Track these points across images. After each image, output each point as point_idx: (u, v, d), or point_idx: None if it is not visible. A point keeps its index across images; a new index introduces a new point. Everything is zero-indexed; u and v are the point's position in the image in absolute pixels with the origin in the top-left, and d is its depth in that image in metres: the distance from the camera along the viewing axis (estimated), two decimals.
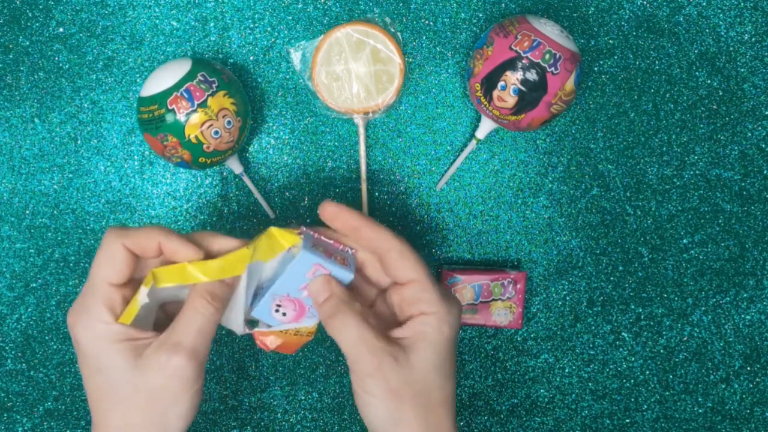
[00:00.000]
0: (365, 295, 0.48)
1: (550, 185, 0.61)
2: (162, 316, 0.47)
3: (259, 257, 0.44)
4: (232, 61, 0.60)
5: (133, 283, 0.44)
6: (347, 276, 0.45)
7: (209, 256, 0.44)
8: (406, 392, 0.42)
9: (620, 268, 0.62)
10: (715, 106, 0.61)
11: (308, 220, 0.61)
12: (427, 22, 0.60)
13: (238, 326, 0.46)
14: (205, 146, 0.53)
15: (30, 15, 0.59)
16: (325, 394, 0.62)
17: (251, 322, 0.47)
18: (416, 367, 0.42)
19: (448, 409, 0.44)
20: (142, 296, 0.41)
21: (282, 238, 0.44)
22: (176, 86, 0.52)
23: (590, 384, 0.63)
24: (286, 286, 0.44)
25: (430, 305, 0.43)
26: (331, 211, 0.44)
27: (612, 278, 0.62)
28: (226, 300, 0.43)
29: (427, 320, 0.43)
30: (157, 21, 0.59)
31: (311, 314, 0.46)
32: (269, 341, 0.48)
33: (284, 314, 0.46)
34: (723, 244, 0.62)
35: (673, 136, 0.61)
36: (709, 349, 0.63)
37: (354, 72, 0.57)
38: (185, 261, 0.43)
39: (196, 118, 0.52)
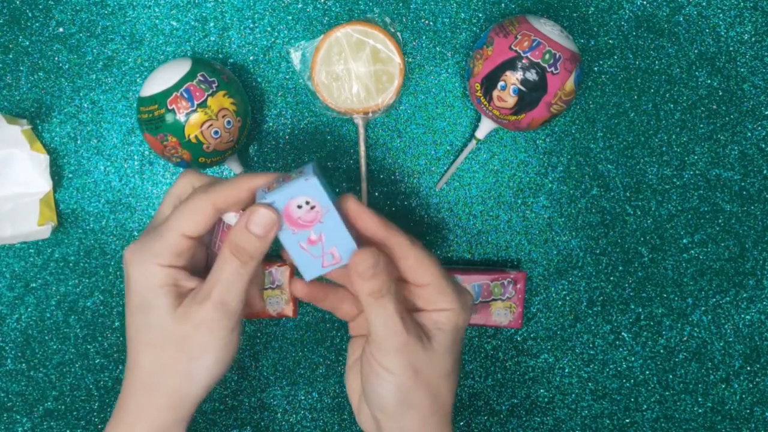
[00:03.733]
0: None
1: (550, 185, 0.61)
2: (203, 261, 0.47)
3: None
4: (232, 61, 0.60)
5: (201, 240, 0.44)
6: (351, 245, 0.43)
7: None
8: (424, 374, 0.42)
9: (620, 268, 0.62)
10: (715, 106, 0.61)
11: None
12: (427, 22, 0.60)
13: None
14: (205, 146, 0.53)
15: (30, 15, 0.59)
16: (325, 394, 0.62)
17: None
18: (437, 351, 0.43)
19: (453, 399, 0.45)
20: None
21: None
22: (176, 86, 0.52)
23: (590, 384, 0.63)
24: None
25: (448, 303, 0.44)
26: (353, 209, 0.43)
27: (612, 278, 0.62)
28: (256, 252, 0.42)
29: (444, 314, 0.44)
30: (157, 21, 0.59)
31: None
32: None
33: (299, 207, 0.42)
34: (723, 244, 0.62)
35: (673, 136, 0.61)
36: (709, 349, 0.63)
37: (354, 72, 0.57)
38: None
39: (196, 118, 0.52)
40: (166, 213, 0.44)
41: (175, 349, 0.42)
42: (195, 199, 0.42)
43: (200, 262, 0.46)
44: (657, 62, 0.60)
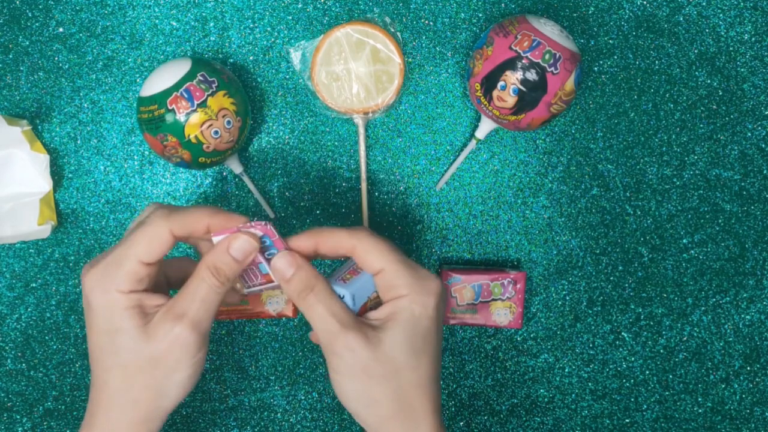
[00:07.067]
0: None
1: (550, 185, 0.61)
2: (163, 281, 0.48)
3: None
4: (232, 61, 0.60)
5: (162, 261, 0.44)
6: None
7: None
8: (375, 371, 0.42)
9: (620, 268, 0.62)
10: (715, 106, 0.61)
11: (308, 220, 0.61)
12: (427, 22, 0.60)
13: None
14: (204, 146, 0.53)
15: (30, 15, 0.59)
16: (325, 394, 0.62)
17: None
18: (386, 345, 0.42)
19: (425, 391, 0.43)
20: None
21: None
22: (176, 86, 0.52)
23: (590, 384, 0.63)
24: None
25: (402, 289, 0.43)
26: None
27: (612, 278, 0.62)
28: (233, 275, 0.43)
29: (399, 302, 0.43)
30: (157, 21, 0.59)
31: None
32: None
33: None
34: (723, 244, 0.62)
35: (673, 136, 0.61)
36: (709, 349, 0.63)
37: (354, 72, 0.57)
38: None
39: (196, 118, 0.52)
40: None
41: (148, 367, 0.42)
42: (153, 225, 0.42)
43: (160, 275, 0.47)
44: (657, 62, 0.60)
